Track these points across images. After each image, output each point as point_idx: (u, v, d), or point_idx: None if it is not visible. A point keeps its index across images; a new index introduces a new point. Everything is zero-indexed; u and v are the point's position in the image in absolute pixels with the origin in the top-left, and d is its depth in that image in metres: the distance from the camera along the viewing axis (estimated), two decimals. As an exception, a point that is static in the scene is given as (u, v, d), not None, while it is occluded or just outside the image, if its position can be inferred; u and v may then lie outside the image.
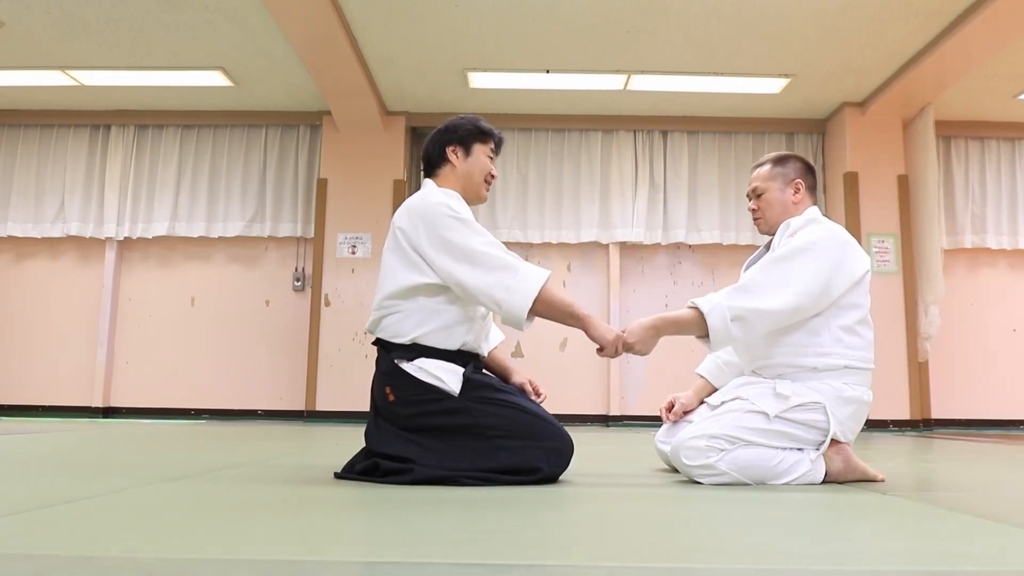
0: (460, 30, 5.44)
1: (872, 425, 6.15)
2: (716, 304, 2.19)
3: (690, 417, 2.61)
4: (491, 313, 2.30)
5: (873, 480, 2.28)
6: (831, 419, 2.21)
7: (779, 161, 2.53)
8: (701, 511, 1.76)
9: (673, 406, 2.65)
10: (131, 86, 6.48)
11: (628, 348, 2.18)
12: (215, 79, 6.33)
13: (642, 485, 2.27)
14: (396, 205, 6.61)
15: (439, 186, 2.36)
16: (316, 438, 4.37)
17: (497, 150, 2.45)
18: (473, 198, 2.40)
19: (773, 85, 6.27)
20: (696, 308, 2.21)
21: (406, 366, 2.19)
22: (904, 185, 6.63)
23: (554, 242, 6.97)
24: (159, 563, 1.14)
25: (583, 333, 2.21)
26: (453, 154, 2.37)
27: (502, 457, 2.12)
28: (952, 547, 1.37)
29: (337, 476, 2.24)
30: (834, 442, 2.26)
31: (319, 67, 5.75)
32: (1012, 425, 6.83)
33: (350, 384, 6.46)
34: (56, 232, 7.02)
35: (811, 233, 2.33)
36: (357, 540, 1.39)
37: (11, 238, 7.09)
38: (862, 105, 6.63)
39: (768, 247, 2.51)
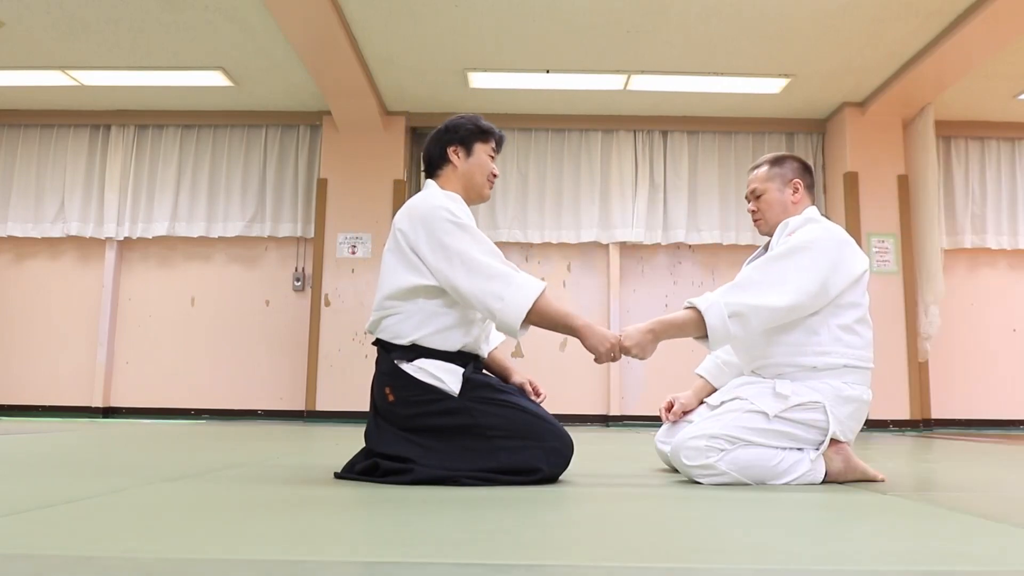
0: (460, 30, 5.44)
1: (872, 425, 6.15)
2: (713, 302, 2.19)
3: (690, 417, 2.61)
4: (491, 315, 2.30)
5: (873, 480, 2.28)
6: (831, 418, 2.22)
7: (776, 162, 2.54)
8: (701, 511, 1.76)
9: (672, 406, 2.66)
10: (131, 86, 6.49)
11: (626, 352, 2.17)
12: (215, 79, 6.33)
13: (642, 485, 2.27)
14: (396, 205, 6.62)
15: (441, 187, 2.35)
16: (316, 438, 4.37)
17: (498, 148, 2.44)
18: (475, 197, 2.40)
19: (773, 85, 6.27)
20: (693, 307, 2.21)
21: (406, 366, 2.19)
22: (904, 185, 6.62)
23: (554, 242, 6.97)
24: (159, 563, 1.14)
25: None
26: (454, 154, 2.36)
27: (502, 457, 2.12)
28: (952, 547, 1.37)
29: (337, 476, 2.24)
30: (834, 442, 2.26)
31: (319, 67, 5.75)
32: (1012, 425, 6.83)
33: (350, 384, 6.46)
34: (56, 232, 7.02)
35: (809, 232, 2.33)
36: (357, 540, 1.39)
37: (11, 238, 7.09)
38: (862, 105, 6.63)
39: (767, 247, 2.51)
